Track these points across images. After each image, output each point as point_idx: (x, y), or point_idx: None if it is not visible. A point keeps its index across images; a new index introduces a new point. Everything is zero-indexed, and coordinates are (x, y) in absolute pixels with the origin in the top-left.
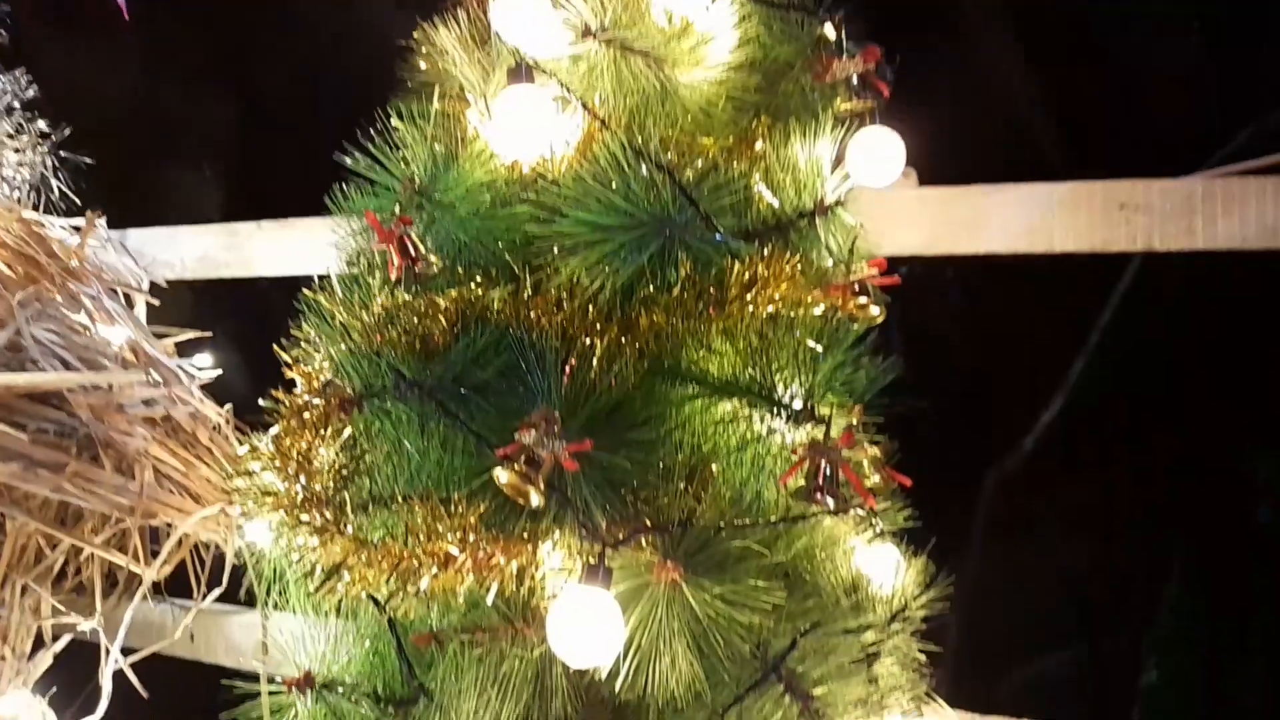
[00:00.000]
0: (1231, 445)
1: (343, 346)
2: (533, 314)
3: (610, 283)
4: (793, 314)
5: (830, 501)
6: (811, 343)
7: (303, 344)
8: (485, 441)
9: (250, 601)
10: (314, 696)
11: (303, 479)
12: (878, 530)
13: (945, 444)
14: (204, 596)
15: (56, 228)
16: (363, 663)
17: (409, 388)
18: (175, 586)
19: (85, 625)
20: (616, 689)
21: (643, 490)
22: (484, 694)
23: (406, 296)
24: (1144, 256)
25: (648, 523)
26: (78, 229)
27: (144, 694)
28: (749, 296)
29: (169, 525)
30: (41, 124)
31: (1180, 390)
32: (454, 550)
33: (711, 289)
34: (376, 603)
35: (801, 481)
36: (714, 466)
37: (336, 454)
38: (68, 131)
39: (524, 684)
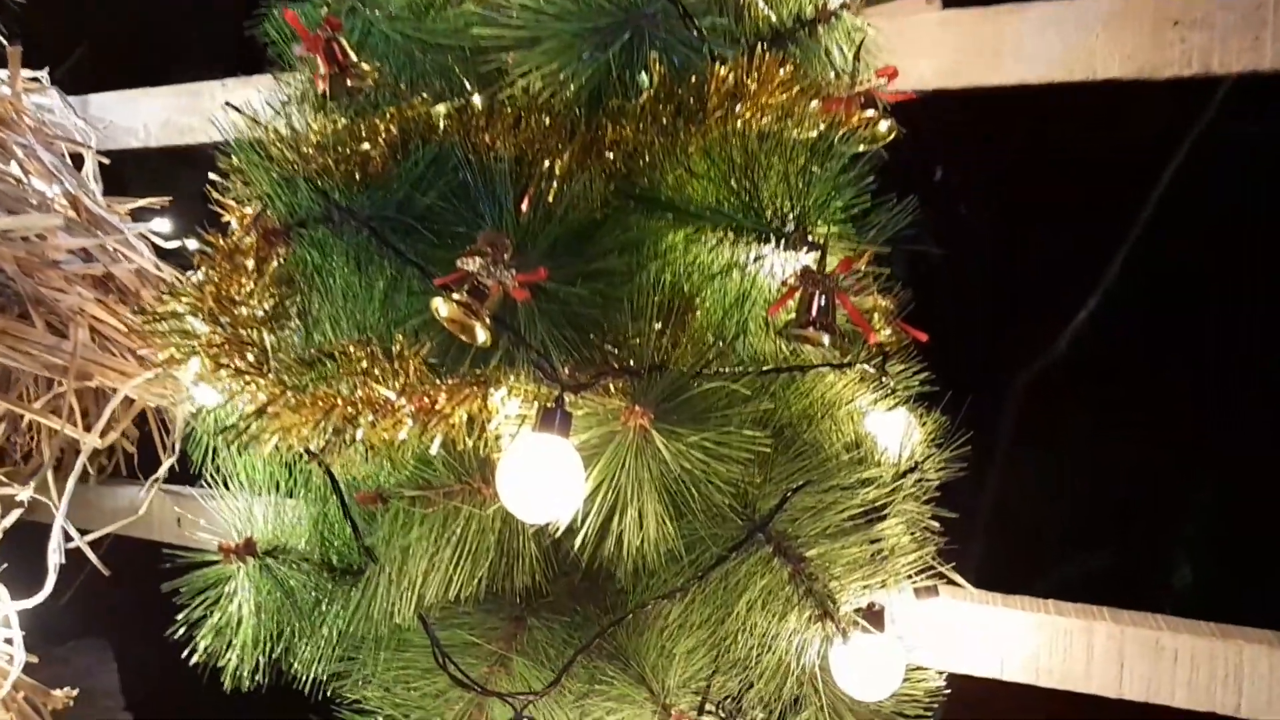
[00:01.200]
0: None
1: (271, 174)
2: (483, 132)
3: (569, 88)
4: (785, 131)
5: (825, 337)
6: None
7: (232, 176)
8: (428, 275)
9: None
10: (257, 565)
11: (226, 321)
12: (887, 388)
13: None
14: (156, 474)
15: None
16: (310, 529)
17: (342, 215)
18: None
19: (22, 495)
20: (578, 547)
21: (610, 330)
22: (435, 557)
23: (340, 117)
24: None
25: (615, 365)
26: (32, 89)
27: (103, 571)
28: (734, 109)
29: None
30: None
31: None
32: (391, 395)
33: (691, 99)
34: (315, 457)
35: (791, 315)
36: (695, 309)
37: (263, 292)
38: None
39: (482, 547)
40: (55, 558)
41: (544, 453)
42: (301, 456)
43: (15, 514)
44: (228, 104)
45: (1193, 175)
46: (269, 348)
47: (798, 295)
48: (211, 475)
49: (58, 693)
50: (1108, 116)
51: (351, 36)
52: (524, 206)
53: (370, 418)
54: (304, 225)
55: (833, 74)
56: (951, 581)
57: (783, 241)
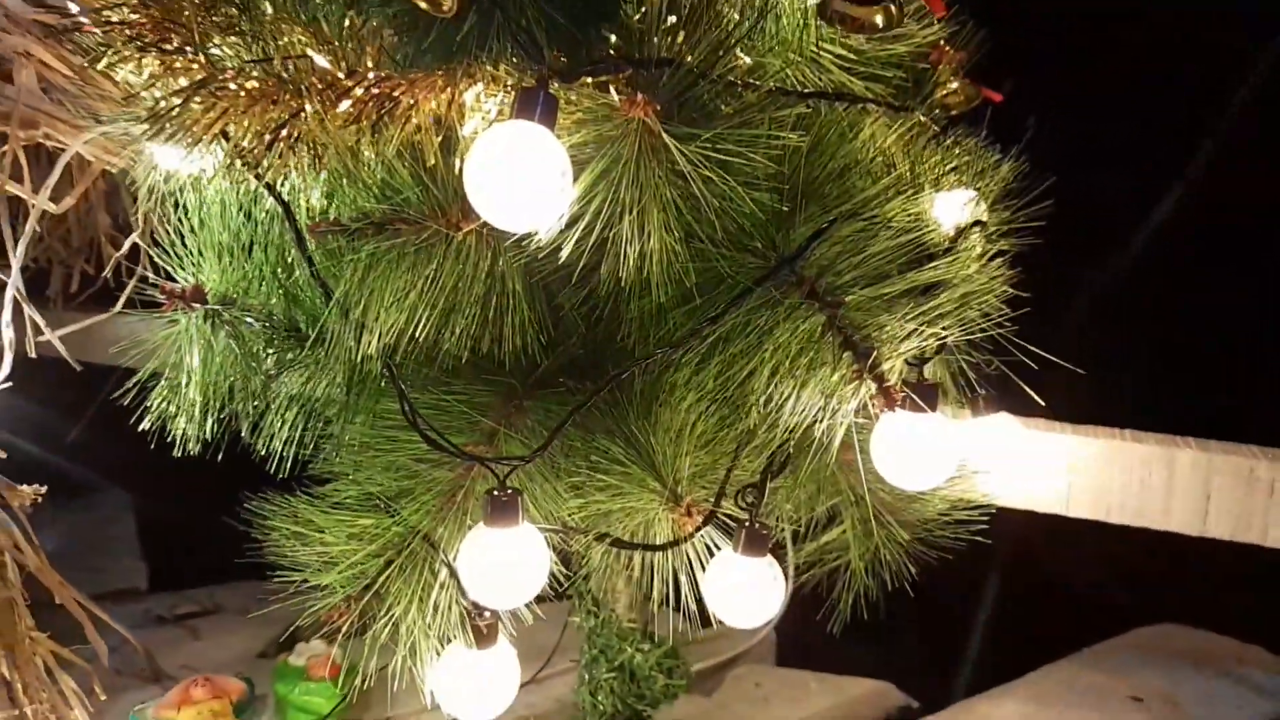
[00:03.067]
0: None
1: None
2: None
3: None
4: None
5: (876, 11)
6: None
7: None
8: None
9: None
10: (204, 314)
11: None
12: (948, 135)
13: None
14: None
15: None
16: (269, 280)
17: None
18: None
19: None
20: (565, 259)
21: (606, 10)
22: (404, 303)
23: None
24: None
25: (614, 53)
26: None
27: (73, 364)
28: None
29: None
30: None
31: None
32: (339, 74)
33: None
34: (258, 177)
35: None
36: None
37: None
38: None
39: (466, 298)
40: (7, 333)
41: (520, 142)
42: (256, 191)
43: None
44: None
45: None
46: (198, 29)
47: None
48: (167, 229)
49: (25, 489)
50: None
51: None
52: None
53: (314, 107)
54: None
55: None
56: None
57: None
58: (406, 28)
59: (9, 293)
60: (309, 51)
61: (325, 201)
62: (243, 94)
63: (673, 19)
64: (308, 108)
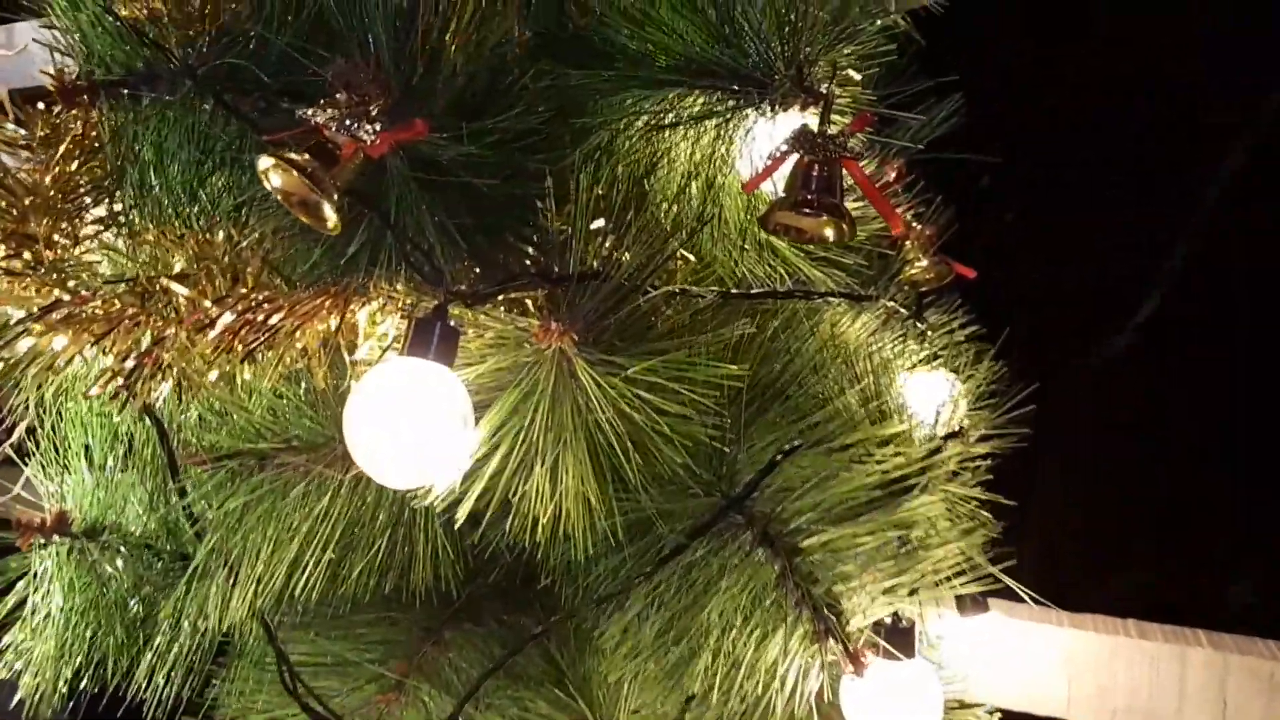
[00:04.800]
0: None
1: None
2: None
3: None
4: None
5: (826, 224)
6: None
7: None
8: (260, 132)
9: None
10: (67, 547)
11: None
12: (918, 329)
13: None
14: None
15: None
16: (142, 508)
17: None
18: None
19: None
20: (474, 530)
21: (520, 221)
22: (286, 544)
23: None
24: None
25: (527, 268)
26: None
27: None
28: None
29: None
30: None
31: None
32: (206, 304)
33: None
34: (130, 395)
35: (778, 192)
36: (645, 194)
37: (59, 170)
38: None
39: (362, 534)
40: None
41: (413, 383)
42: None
43: None
44: None
45: None
46: (52, 243)
47: (789, 166)
48: (32, 442)
49: None
50: None
51: None
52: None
53: (182, 334)
54: (122, 85)
55: None
56: (1004, 591)
57: (772, 95)
58: (290, 242)
59: None
60: (167, 281)
61: (212, 420)
62: (99, 316)
63: (599, 222)
64: (171, 333)
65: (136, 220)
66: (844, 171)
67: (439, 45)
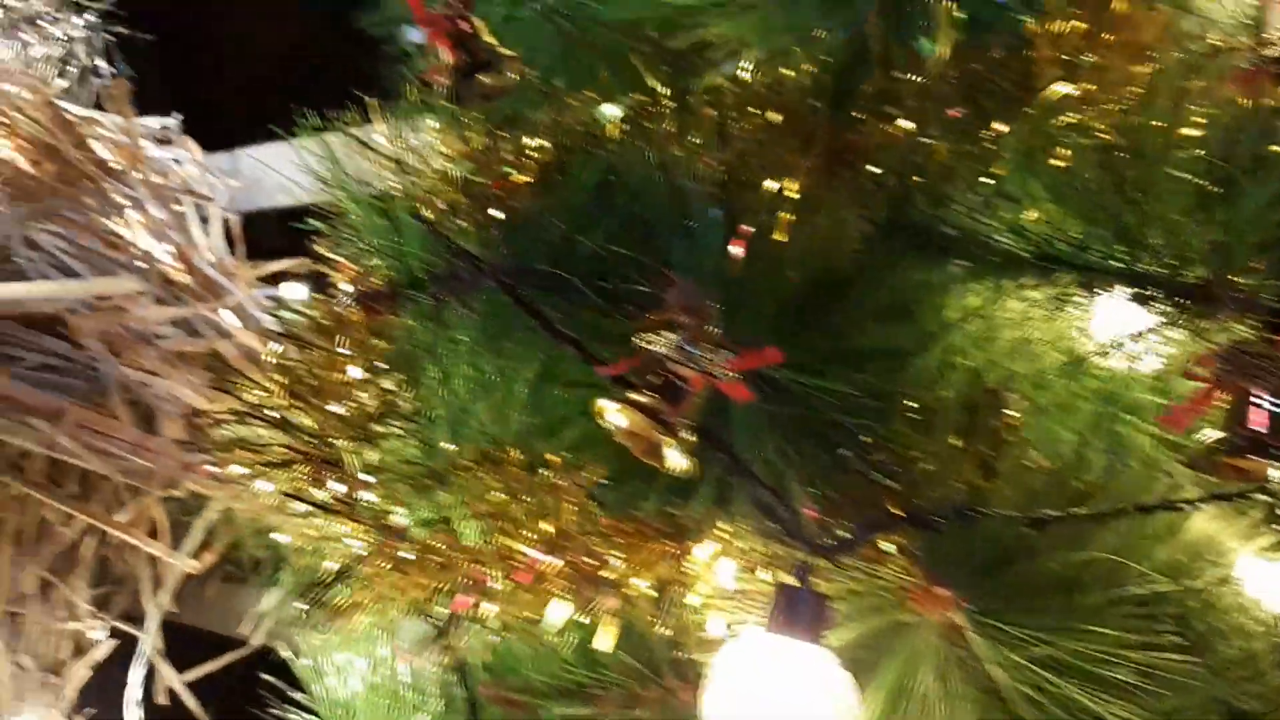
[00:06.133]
0: None
1: (374, 216)
2: (675, 141)
3: (804, 70)
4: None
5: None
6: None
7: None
8: (590, 359)
9: None
10: None
11: (306, 427)
12: None
13: None
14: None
15: (105, 122)
16: None
17: (472, 271)
18: None
19: (97, 633)
20: None
21: (878, 451)
22: None
23: (472, 132)
24: None
25: (892, 509)
26: (162, 140)
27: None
28: (1072, 86)
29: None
30: None
31: None
32: (533, 553)
33: (1002, 75)
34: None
35: (1207, 429)
36: (1013, 406)
37: (354, 385)
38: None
39: None
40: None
41: (782, 669)
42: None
43: (102, 651)
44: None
45: None
46: (357, 470)
47: (1219, 391)
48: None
49: None
50: None
51: (489, 19)
52: (737, 250)
53: (505, 585)
54: (418, 286)
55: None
56: None
57: (1180, 297)
58: (620, 480)
59: (137, 668)
60: (497, 526)
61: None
62: (413, 568)
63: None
64: (496, 587)
65: (448, 449)
66: None
67: (768, 244)
